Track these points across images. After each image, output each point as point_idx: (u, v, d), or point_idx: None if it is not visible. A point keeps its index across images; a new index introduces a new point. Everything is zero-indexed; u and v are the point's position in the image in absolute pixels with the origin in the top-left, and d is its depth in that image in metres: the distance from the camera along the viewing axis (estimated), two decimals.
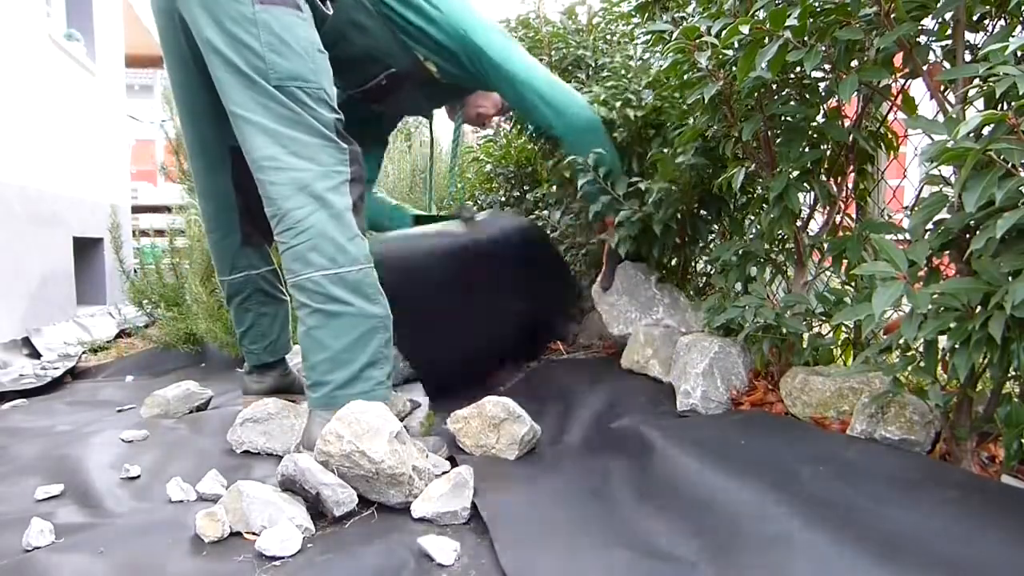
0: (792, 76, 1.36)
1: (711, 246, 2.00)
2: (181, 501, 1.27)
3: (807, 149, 1.37)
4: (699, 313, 1.71)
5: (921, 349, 1.07)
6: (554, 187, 2.40)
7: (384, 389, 1.44)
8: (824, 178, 1.43)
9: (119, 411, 2.05)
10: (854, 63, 1.22)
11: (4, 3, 3.39)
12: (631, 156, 1.98)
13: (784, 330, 1.38)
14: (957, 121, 0.88)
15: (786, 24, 1.15)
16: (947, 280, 0.97)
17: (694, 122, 1.59)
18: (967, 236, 1.01)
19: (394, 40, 1.66)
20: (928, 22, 1.12)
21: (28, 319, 3.45)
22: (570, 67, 2.46)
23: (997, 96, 0.95)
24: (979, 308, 0.92)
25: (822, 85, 1.35)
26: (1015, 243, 0.90)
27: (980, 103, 1.02)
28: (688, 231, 1.91)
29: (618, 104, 1.91)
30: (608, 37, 2.46)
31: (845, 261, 1.29)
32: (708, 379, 1.47)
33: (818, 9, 1.15)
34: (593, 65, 2.41)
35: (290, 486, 1.18)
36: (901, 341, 1.03)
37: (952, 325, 0.93)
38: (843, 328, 1.52)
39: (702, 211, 1.89)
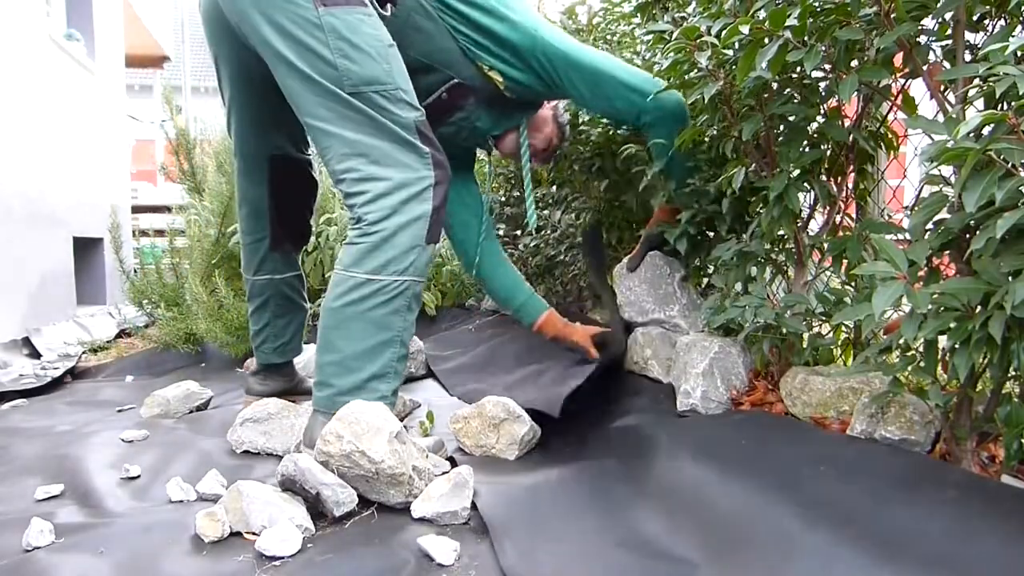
0: (792, 76, 1.36)
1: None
2: (181, 501, 1.27)
3: (807, 149, 1.37)
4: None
5: (921, 349, 1.07)
6: (554, 187, 2.40)
7: (387, 403, 1.40)
8: (824, 178, 1.43)
9: (119, 411, 2.05)
10: (854, 63, 1.22)
11: (4, 3, 3.39)
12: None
13: (784, 330, 1.38)
14: (957, 121, 0.88)
15: (786, 24, 1.15)
16: (947, 280, 0.97)
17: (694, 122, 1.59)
18: (967, 236, 1.01)
19: (456, 47, 1.58)
20: (928, 22, 1.12)
21: (28, 319, 3.45)
22: None
23: (997, 96, 0.95)
24: (979, 308, 0.92)
25: (822, 85, 1.35)
26: (1015, 243, 0.89)
27: (980, 103, 1.02)
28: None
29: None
30: (608, 37, 2.46)
31: (845, 261, 1.29)
32: (708, 379, 1.47)
33: (818, 9, 1.15)
34: None
35: (290, 486, 1.18)
36: (901, 341, 1.03)
37: (952, 325, 0.93)
38: (843, 328, 1.52)
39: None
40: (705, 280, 1.96)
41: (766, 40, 1.18)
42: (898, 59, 1.18)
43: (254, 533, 1.10)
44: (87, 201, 4.49)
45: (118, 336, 3.68)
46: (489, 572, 0.99)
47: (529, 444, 1.53)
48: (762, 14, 1.18)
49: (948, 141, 0.88)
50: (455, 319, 3.00)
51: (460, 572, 1.00)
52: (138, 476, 1.40)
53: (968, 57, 1.07)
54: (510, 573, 0.97)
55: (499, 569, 0.99)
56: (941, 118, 1.04)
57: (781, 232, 1.47)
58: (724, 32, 1.22)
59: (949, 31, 1.09)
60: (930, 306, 0.93)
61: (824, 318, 1.44)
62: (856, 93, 1.26)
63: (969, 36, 1.09)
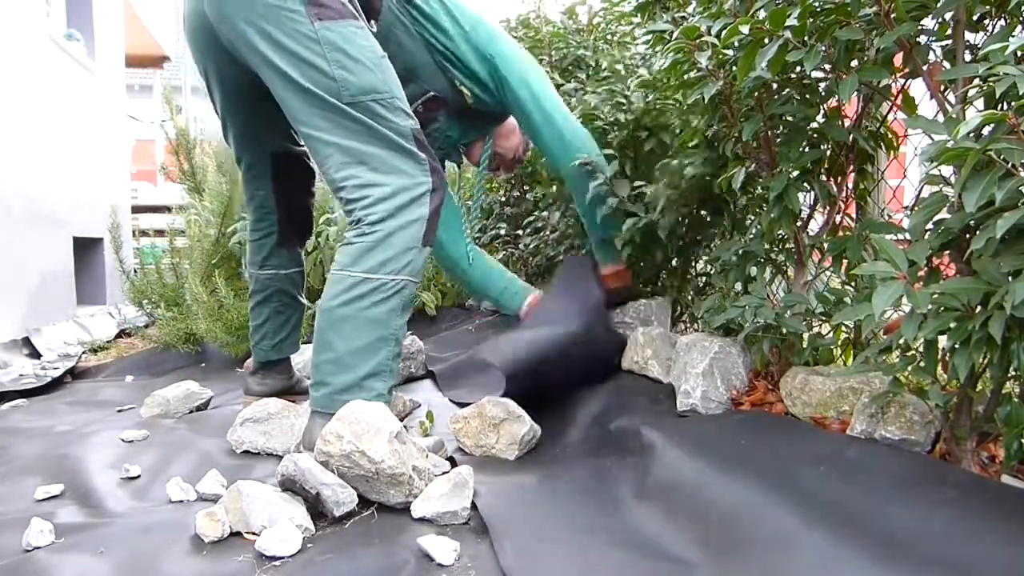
0: (792, 76, 1.36)
1: (711, 246, 2.00)
2: (181, 501, 1.27)
3: (807, 149, 1.37)
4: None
5: (921, 349, 1.07)
6: (554, 187, 2.40)
7: (383, 401, 1.41)
8: (824, 178, 1.43)
9: (119, 411, 2.05)
10: (854, 63, 1.22)
11: (4, 3, 3.39)
12: (624, 160, 1.99)
13: (784, 330, 1.38)
14: (957, 121, 0.88)
15: (786, 24, 1.15)
16: (947, 280, 0.97)
17: (695, 122, 1.59)
18: (967, 236, 1.01)
19: (432, 61, 1.65)
20: (928, 22, 1.12)
21: (28, 319, 3.45)
22: (570, 67, 2.46)
23: (997, 96, 0.95)
24: (979, 308, 0.92)
25: (822, 85, 1.35)
26: (1015, 243, 0.89)
27: (980, 103, 1.02)
28: (691, 233, 1.91)
29: (606, 109, 1.92)
30: (608, 37, 2.46)
31: (845, 261, 1.29)
32: (708, 379, 1.47)
33: (818, 9, 1.15)
34: (593, 65, 2.42)
35: (290, 486, 1.18)
36: (901, 341, 1.03)
37: (952, 325, 0.93)
38: (843, 328, 1.51)
39: (701, 212, 1.90)
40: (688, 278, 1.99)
41: (766, 40, 1.18)
42: (898, 59, 1.18)
43: (254, 533, 1.10)
44: (87, 201, 4.49)
45: (118, 336, 3.68)
46: (489, 572, 0.99)
47: (529, 444, 1.53)
48: (762, 14, 1.18)
49: (948, 141, 0.88)
50: (455, 319, 3.00)
51: (460, 572, 1.00)
52: (138, 476, 1.40)
53: (968, 57, 1.07)
54: (510, 573, 0.97)
55: (499, 569, 0.99)
56: (941, 118, 1.04)
57: (781, 232, 1.47)
58: (724, 32, 1.22)
59: (949, 31, 1.09)
60: (930, 306, 0.93)
61: (824, 318, 1.44)
62: (856, 93, 1.26)
63: (969, 36, 1.09)
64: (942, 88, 1.11)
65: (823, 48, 1.17)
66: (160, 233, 4.20)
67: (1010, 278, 0.86)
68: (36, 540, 1.08)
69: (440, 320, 3.02)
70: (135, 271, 3.21)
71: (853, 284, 1.41)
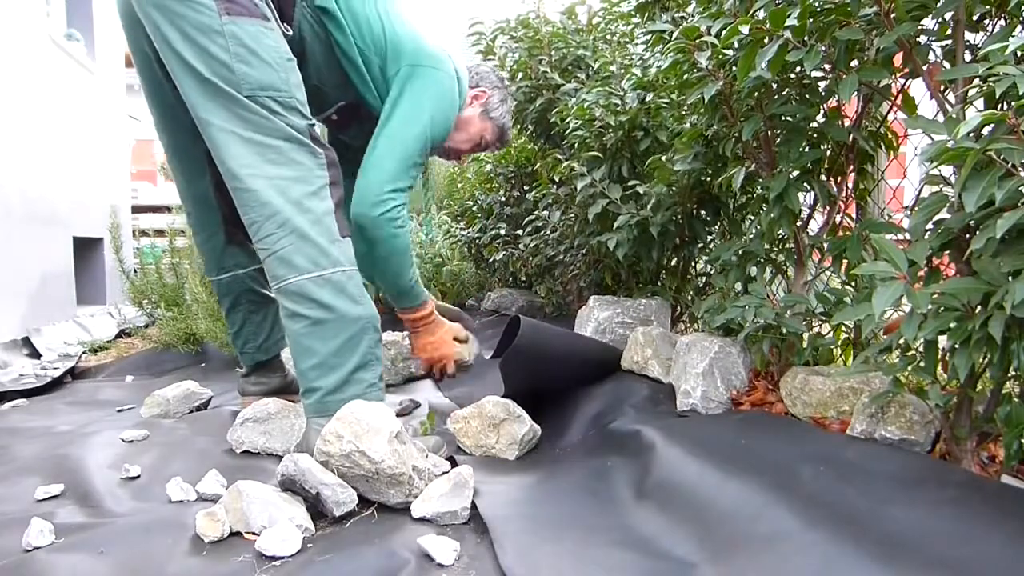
0: (792, 76, 1.36)
1: (711, 246, 2.00)
2: (181, 501, 1.27)
3: (807, 149, 1.37)
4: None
5: (921, 349, 1.07)
6: (554, 187, 2.40)
7: (377, 391, 1.43)
8: (824, 178, 1.43)
9: (119, 411, 2.05)
10: (854, 63, 1.22)
11: (4, 3, 3.39)
12: (621, 160, 2.00)
13: (784, 330, 1.38)
14: (957, 121, 0.88)
15: (786, 24, 1.15)
16: (947, 280, 0.97)
17: (696, 121, 1.59)
18: (967, 236, 1.01)
19: (344, 74, 1.64)
20: (928, 22, 1.12)
21: (28, 319, 3.45)
22: (570, 67, 2.46)
23: (997, 96, 0.95)
24: (979, 308, 0.92)
25: (822, 85, 1.35)
26: (1015, 243, 0.89)
27: (980, 103, 1.02)
28: (687, 232, 1.92)
29: (598, 112, 1.93)
30: (608, 37, 2.46)
31: (845, 261, 1.29)
32: (708, 379, 1.47)
33: (818, 9, 1.15)
34: (593, 65, 2.42)
35: (290, 486, 1.18)
36: (901, 341, 1.03)
37: (952, 325, 0.93)
38: (843, 328, 1.52)
39: (701, 212, 1.90)
40: (687, 278, 1.98)
41: (766, 40, 1.18)
42: (898, 59, 1.18)
43: (254, 533, 1.10)
44: (87, 201, 4.49)
45: (118, 336, 3.68)
46: (489, 572, 0.99)
47: (529, 444, 1.53)
48: (762, 14, 1.18)
49: (948, 141, 0.88)
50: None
51: (460, 572, 1.00)
52: (138, 476, 1.40)
53: (968, 57, 1.07)
54: (510, 573, 0.97)
55: (499, 569, 0.99)
56: (941, 118, 1.04)
57: (781, 232, 1.47)
58: (724, 32, 1.22)
59: (949, 31, 1.09)
60: (930, 306, 0.93)
61: (824, 318, 1.44)
62: (856, 93, 1.26)
63: (969, 36, 1.09)
64: (942, 88, 1.11)
65: (823, 48, 1.17)
66: (160, 233, 4.20)
67: (1010, 278, 0.86)
68: (36, 540, 1.08)
69: None
70: (135, 271, 3.21)
71: (853, 284, 1.41)
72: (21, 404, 2.23)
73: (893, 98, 1.32)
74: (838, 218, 1.46)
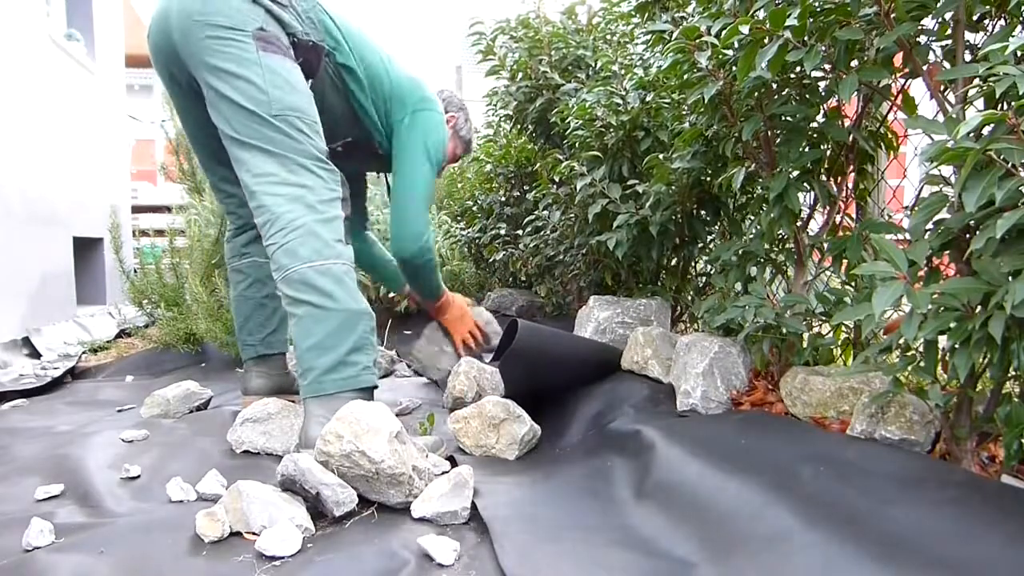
0: (792, 76, 1.36)
1: (711, 246, 2.00)
2: (181, 501, 1.27)
3: (807, 149, 1.37)
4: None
5: (921, 349, 1.07)
6: (554, 187, 2.40)
7: (370, 374, 1.49)
8: (824, 178, 1.43)
9: (119, 411, 2.05)
10: (854, 63, 1.22)
11: (4, 3, 3.39)
12: (621, 160, 2.00)
13: (784, 330, 1.38)
14: (957, 121, 0.88)
15: (786, 24, 1.15)
16: (947, 280, 0.97)
17: (696, 121, 1.59)
18: (967, 236, 1.01)
19: (355, 117, 1.88)
20: (928, 22, 1.12)
21: (28, 319, 3.45)
22: (570, 67, 2.46)
23: (997, 96, 0.95)
24: (979, 308, 0.92)
25: (822, 85, 1.35)
26: (1015, 243, 0.89)
27: (980, 103, 1.02)
28: (687, 232, 1.92)
29: (600, 112, 1.93)
30: (608, 37, 2.46)
31: (845, 261, 1.29)
32: (708, 379, 1.47)
33: (818, 9, 1.15)
34: (593, 65, 2.42)
35: (290, 486, 1.18)
36: (901, 341, 1.03)
37: (952, 325, 0.93)
38: (843, 328, 1.52)
39: (701, 212, 1.90)
40: (687, 278, 1.98)
41: (766, 40, 1.18)
42: (898, 59, 1.18)
43: (254, 533, 1.10)
44: (87, 201, 4.49)
45: (118, 336, 3.67)
46: (489, 572, 0.99)
47: (529, 444, 1.53)
48: (762, 14, 1.18)
49: (948, 141, 0.88)
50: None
51: (460, 572, 1.00)
52: (138, 476, 1.40)
53: (968, 57, 1.07)
54: (510, 573, 0.97)
55: (499, 569, 0.99)
56: (941, 118, 1.04)
57: (781, 232, 1.47)
58: (724, 32, 1.22)
59: (949, 31, 1.09)
60: (930, 306, 0.93)
61: (824, 318, 1.44)
62: (856, 93, 1.26)
63: (969, 36, 1.09)
64: (942, 88, 1.11)
65: (823, 48, 1.17)
66: (160, 233, 4.19)
67: (1010, 278, 0.87)
68: (36, 540, 1.08)
69: None
70: (135, 271, 3.21)
71: (853, 284, 1.41)
72: (21, 404, 2.23)
73: (893, 98, 1.32)
74: (838, 218, 1.46)
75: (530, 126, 2.57)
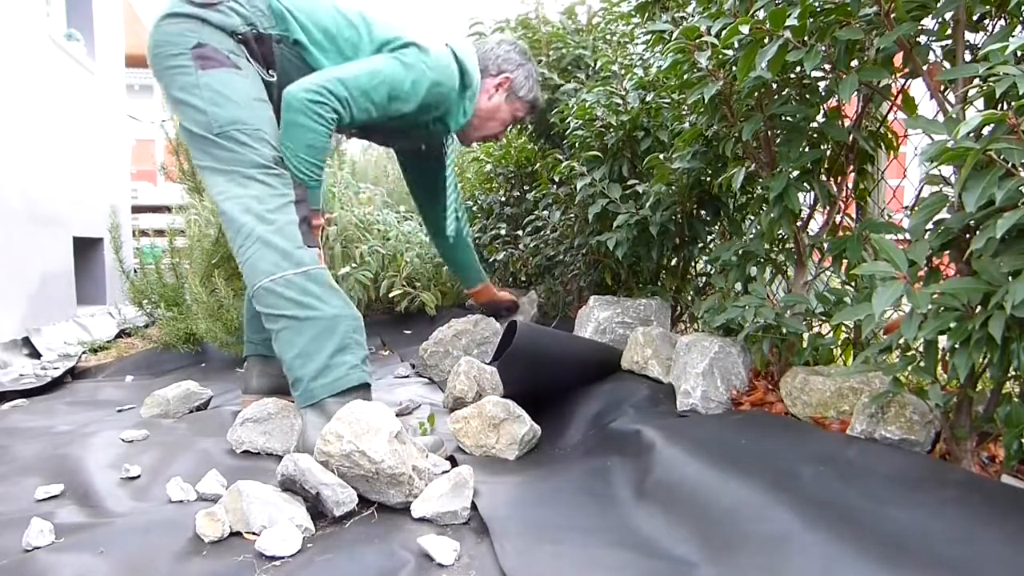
0: (792, 76, 1.36)
1: (711, 246, 2.00)
2: (181, 501, 1.27)
3: (807, 149, 1.37)
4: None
5: (921, 349, 1.07)
6: (554, 187, 2.40)
7: (359, 371, 1.48)
8: (824, 178, 1.43)
9: (119, 411, 2.05)
10: (854, 63, 1.22)
11: (4, 3, 3.39)
12: (621, 160, 2.00)
13: (784, 330, 1.38)
14: (957, 121, 0.88)
15: (786, 24, 1.15)
16: (947, 280, 0.97)
17: (696, 121, 1.59)
18: (967, 236, 1.01)
19: None
20: (928, 22, 1.12)
21: (28, 319, 3.45)
22: (569, 67, 2.46)
23: (997, 96, 0.95)
24: (979, 308, 0.92)
25: (822, 85, 1.35)
26: (1015, 243, 0.89)
27: (980, 103, 1.02)
28: (687, 232, 1.92)
29: (600, 112, 1.93)
30: (608, 37, 2.46)
31: (845, 261, 1.29)
32: (708, 379, 1.47)
33: (818, 9, 1.15)
34: (593, 65, 2.42)
35: (290, 486, 1.18)
36: (901, 341, 1.03)
37: (952, 325, 0.93)
38: (843, 328, 1.52)
39: (701, 212, 1.90)
40: (687, 278, 1.98)
41: (766, 40, 1.18)
42: (898, 59, 1.18)
43: (254, 533, 1.10)
44: (87, 201, 4.49)
45: (118, 336, 3.67)
46: (489, 572, 0.99)
47: (529, 444, 1.53)
48: (762, 14, 1.18)
49: (948, 141, 0.88)
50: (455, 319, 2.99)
51: (460, 572, 1.00)
52: (138, 476, 1.40)
53: (968, 57, 1.07)
54: (510, 573, 0.97)
55: (499, 569, 0.99)
56: (941, 118, 1.04)
57: (781, 232, 1.47)
58: (724, 32, 1.22)
59: (949, 31, 1.09)
60: (930, 306, 0.93)
61: (824, 318, 1.44)
62: (856, 93, 1.26)
63: (969, 36, 1.09)
64: (942, 88, 1.11)
65: (823, 48, 1.17)
66: (160, 233, 4.20)
67: (1010, 278, 0.86)
68: (36, 540, 1.08)
69: (440, 320, 3.01)
70: (135, 271, 3.21)
71: (853, 284, 1.41)
72: (21, 404, 2.23)
73: (893, 98, 1.32)
74: (838, 218, 1.46)
75: (530, 126, 2.57)
